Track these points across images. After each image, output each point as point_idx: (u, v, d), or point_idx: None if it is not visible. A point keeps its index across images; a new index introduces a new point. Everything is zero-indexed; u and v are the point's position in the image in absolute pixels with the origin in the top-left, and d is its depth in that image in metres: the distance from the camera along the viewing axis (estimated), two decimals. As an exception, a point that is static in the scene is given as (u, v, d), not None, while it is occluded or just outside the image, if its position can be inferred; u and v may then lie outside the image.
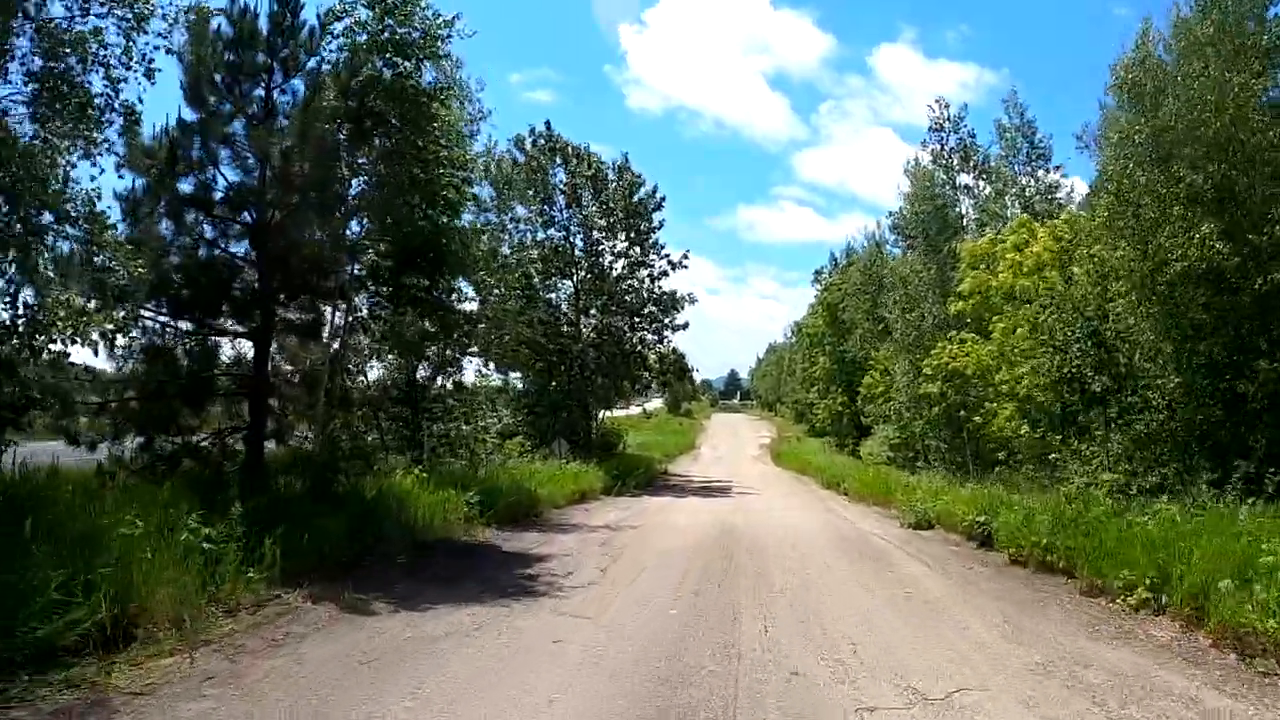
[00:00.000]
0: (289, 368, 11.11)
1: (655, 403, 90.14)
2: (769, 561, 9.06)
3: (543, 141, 24.41)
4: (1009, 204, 23.92)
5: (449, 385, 16.32)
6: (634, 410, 70.41)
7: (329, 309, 11.01)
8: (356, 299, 11.04)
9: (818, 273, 39.94)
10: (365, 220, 9.62)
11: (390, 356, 15.59)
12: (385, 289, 10.00)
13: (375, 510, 9.76)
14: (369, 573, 7.83)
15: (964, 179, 25.63)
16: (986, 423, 14.31)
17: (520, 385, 24.50)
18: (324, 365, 10.84)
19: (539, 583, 7.83)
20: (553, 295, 24.66)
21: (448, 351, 14.86)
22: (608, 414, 35.85)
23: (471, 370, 16.99)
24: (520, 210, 24.51)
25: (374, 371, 16.23)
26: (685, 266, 23.80)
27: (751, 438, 50.24)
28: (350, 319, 11.56)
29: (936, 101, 24.89)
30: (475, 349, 16.06)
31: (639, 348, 23.58)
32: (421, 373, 16.47)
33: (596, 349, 23.13)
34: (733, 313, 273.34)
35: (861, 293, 30.80)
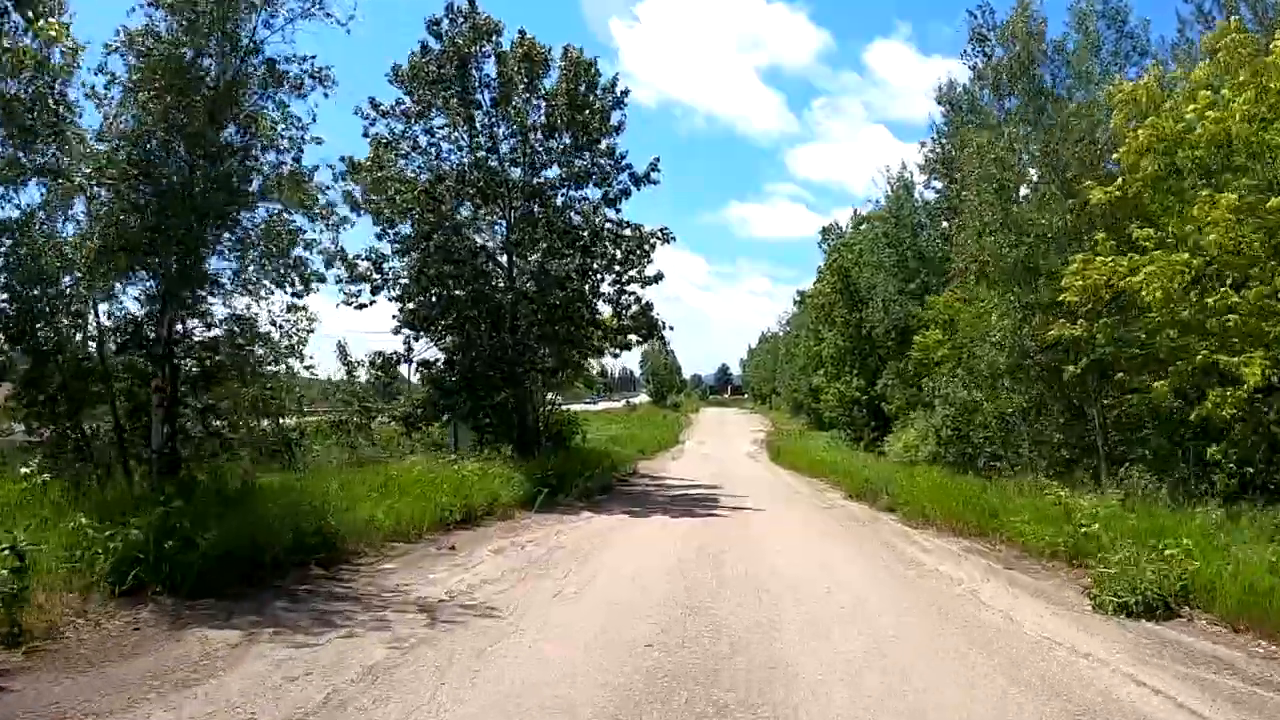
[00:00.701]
0: None
1: (641, 397, 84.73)
2: None
3: (464, 22, 17.68)
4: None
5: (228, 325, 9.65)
6: (617, 404, 64.71)
7: None
8: None
9: (825, 230, 33.37)
10: None
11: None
12: None
13: None
14: None
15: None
16: (1177, 389, 7.78)
17: (435, 351, 17.70)
18: None
19: None
20: (479, 237, 17.89)
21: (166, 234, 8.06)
22: (573, 405, 29.23)
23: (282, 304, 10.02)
24: (438, 120, 17.86)
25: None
26: (655, 181, 16.84)
27: (745, 432, 43.84)
28: None
29: (980, 8, 18.33)
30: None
31: (588, 298, 16.65)
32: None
33: (533, 301, 16.35)
34: (724, 309, 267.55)
35: (888, 245, 24.34)
